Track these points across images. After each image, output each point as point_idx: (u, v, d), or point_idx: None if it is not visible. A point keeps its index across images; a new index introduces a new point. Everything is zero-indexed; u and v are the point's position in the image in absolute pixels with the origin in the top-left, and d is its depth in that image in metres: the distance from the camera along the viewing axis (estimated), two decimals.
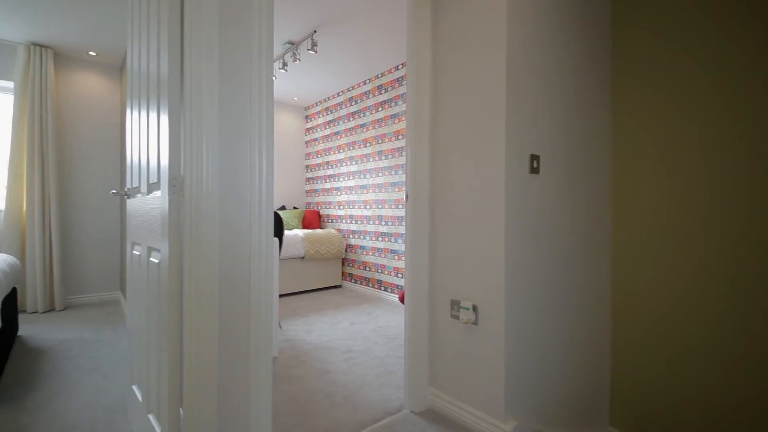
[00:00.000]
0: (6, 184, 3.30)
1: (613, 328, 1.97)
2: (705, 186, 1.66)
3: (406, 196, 1.80)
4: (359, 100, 4.39)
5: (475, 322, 1.58)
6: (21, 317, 3.23)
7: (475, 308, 1.59)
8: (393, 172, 3.93)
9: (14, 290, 2.60)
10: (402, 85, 3.81)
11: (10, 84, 3.41)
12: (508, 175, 1.49)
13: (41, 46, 3.41)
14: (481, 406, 1.56)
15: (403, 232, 3.81)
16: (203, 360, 1.17)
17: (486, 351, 1.55)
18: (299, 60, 3.46)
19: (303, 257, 4.20)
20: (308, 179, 5.40)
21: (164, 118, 1.17)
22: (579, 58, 1.83)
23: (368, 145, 4.26)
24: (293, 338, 2.74)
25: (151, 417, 1.34)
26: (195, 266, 1.16)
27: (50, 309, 3.47)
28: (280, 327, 3.00)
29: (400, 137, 3.84)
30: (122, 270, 3.78)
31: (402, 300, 2.48)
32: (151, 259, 1.30)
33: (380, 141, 4.09)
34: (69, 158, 3.68)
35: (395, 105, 3.89)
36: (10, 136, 3.32)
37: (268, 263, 1.28)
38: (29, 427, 1.59)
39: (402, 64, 3.79)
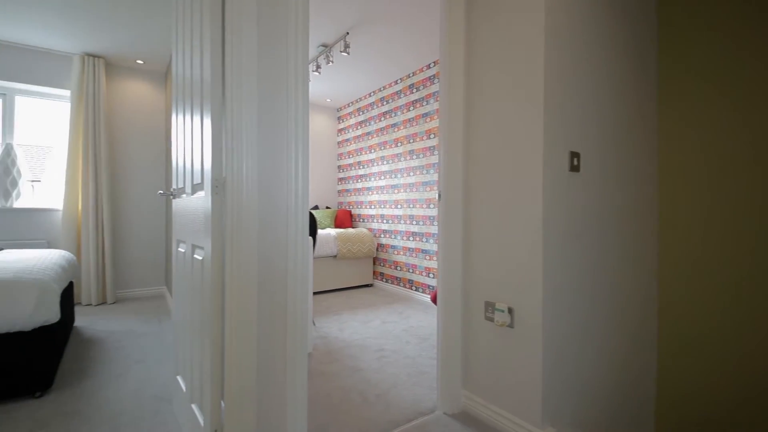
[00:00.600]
0: (64, 186, 3.57)
1: (659, 334, 1.87)
2: (759, 188, 1.53)
3: (439, 196, 1.78)
4: (390, 100, 4.39)
5: (511, 325, 1.55)
6: (77, 309, 3.49)
7: (510, 310, 1.55)
8: (424, 172, 3.91)
9: (71, 284, 2.81)
10: (434, 83, 3.78)
11: (67, 92, 3.69)
12: (546, 173, 1.44)
13: (94, 56, 3.67)
14: (517, 411, 1.52)
15: (435, 232, 3.78)
16: (243, 355, 1.21)
17: (522, 355, 1.51)
18: (332, 62, 3.51)
19: (335, 256, 4.26)
20: (340, 179, 5.47)
21: (207, 123, 1.22)
22: (623, 51, 1.75)
23: (399, 144, 4.26)
24: (326, 335, 2.79)
25: (194, 407, 1.40)
26: (236, 263, 1.20)
27: (102, 302, 3.73)
28: (314, 324, 3.06)
29: (432, 136, 3.81)
30: (167, 266, 3.99)
31: (434, 300, 2.46)
32: (195, 256, 1.36)
33: (411, 140, 4.08)
34: (119, 161, 3.93)
35: (427, 104, 3.87)
36: (67, 141, 3.59)
37: (303, 261, 1.31)
38: (83, 412, 1.71)
39: (434, 62, 3.76)
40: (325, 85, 4.51)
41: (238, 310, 1.21)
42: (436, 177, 3.76)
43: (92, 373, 2.12)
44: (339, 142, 5.49)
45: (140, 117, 4.05)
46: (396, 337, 2.75)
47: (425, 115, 3.89)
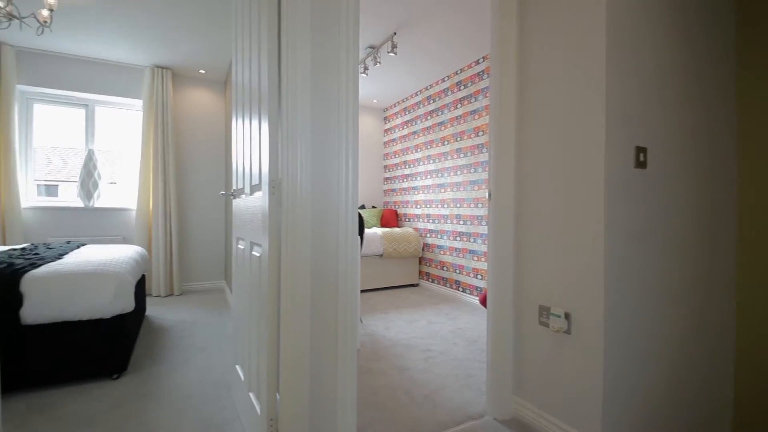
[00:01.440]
0: (137, 188, 3.93)
1: (737, 347, 1.68)
2: None
3: (489, 195, 1.73)
4: (437, 98, 4.35)
5: (568, 331, 1.47)
6: (147, 300, 3.82)
7: (567, 316, 1.47)
8: (472, 170, 3.83)
9: (143, 277, 3.08)
10: (483, 79, 3.69)
11: (139, 102, 4.05)
12: (609, 170, 1.35)
13: (162, 67, 3.99)
14: (574, 421, 1.44)
15: (484, 232, 3.69)
16: (297, 348, 1.26)
17: (580, 363, 1.43)
18: (380, 63, 3.54)
19: (381, 255, 4.30)
20: (386, 179, 5.51)
21: (264, 127, 1.28)
22: (697, 34, 1.59)
23: (446, 143, 4.21)
24: (373, 333, 2.83)
25: (251, 395, 1.48)
26: (291, 260, 1.25)
27: (169, 294, 4.05)
28: (361, 321, 3.11)
29: (481, 133, 3.72)
30: (226, 262, 4.26)
31: (483, 303, 2.40)
32: (253, 252, 1.44)
33: (459, 138, 4.01)
34: (184, 164, 4.25)
35: (475, 101, 3.78)
36: (140, 146, 3.94)
37: (353, 259, 1.34)
38: (154, 394, 1.87)
39: (483, 57, 3.66)
40: (372, 86, 4.56)
41: (293, 305, 1.26)
42: (484, 176, 3.66)
43: (161, 358, 2.31)
44: (385, 142, 5.53)
45: (202, 123, 4.35)
46: (443, 339, 2.72)
47: (473, 112, 3.81)
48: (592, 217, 1.39)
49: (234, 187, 1.80)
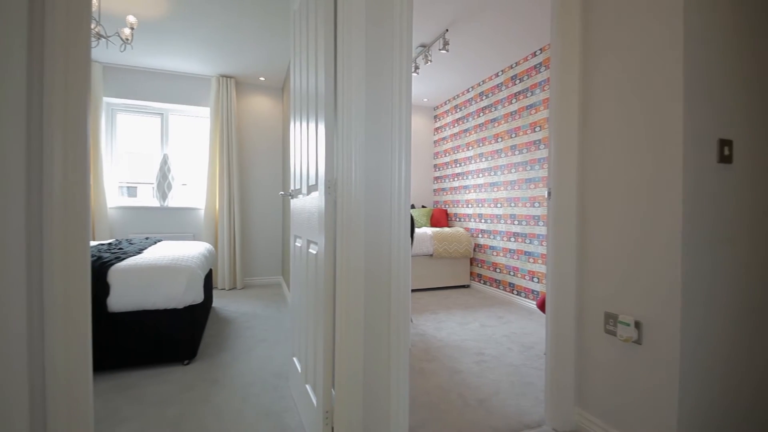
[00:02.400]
0: (205, 189, 4.25)
1: None
2: None
3: (548, 193, 1.65)
4: (490, 94, 4.22)
5: (638, 341, 1.36)
6: (214, 293, 4.12)
7: (637, 324, 1.36)
8: (528, 168, 3.67)
9: (210, 271, 3.32)
10: (540, 72, 3.51)
11: (207, 109, 4.36)
12: (687, 165, 1.23)
13: (227, 77, 4.27)
14: None
15: (540, 233, 3.52)
16: (352, 345, 1.29)
17: (653, 376, 1.31)
18: (431, 61, 3.51)
19: (431, 255, 4.26)
20: (436, 178, 5.45)
21: (321, 130, 1.32)
22: None
23: (500, 140, 4.07)
24: (423, 333, 2.81)
25: (308, 387, 1.54)
26: (345, 258, 1.28)
27: (233, 287, 4.33)
28: (412, 321, 3.11)
29: (538, 129, 3.55)
30: (283, 258, 4.47)
31: (541, 307, 2.29)
32: (310, 250, 1.49)
33: (513, 135, 3.86)
34: (245, 166, 4.53)
35: (531, 94, 3.62)
36: (207, 150, 4.25)
37: (405, 258, 1.34)
38: (221, 381, 2.01)
39: (541, 48, 3.49)
40: (423, 84, 4.53)
41: (348, 302, 1.29)
42: (542, 173, 3.49)
43: (226, 347, 2.48)
44: (435, 141, 5.47)
45: (262, 127, 4.60)
46: (497, 343, 2.64)
47: (530, 107, 3.64)
48: (667, 218, 1.26)
49: (292, 188, 1.88)
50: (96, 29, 2.59)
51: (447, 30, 3.15)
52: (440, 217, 4.95)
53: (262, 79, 4.34)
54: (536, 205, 3.56)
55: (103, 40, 3.30)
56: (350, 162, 1.28)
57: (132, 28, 2.67)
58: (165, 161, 4.19)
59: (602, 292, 1.50)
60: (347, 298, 1.29)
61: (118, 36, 2.79)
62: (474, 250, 4.51)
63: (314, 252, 1.44)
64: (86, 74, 1.06)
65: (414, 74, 3.98)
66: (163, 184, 4.18)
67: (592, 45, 1.56)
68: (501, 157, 4.05)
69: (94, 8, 2.64)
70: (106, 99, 4.01)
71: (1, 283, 1.03)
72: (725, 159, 1.29)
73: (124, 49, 2.98)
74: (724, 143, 1.29)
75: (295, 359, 1.81)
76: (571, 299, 1.60)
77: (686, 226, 1.23)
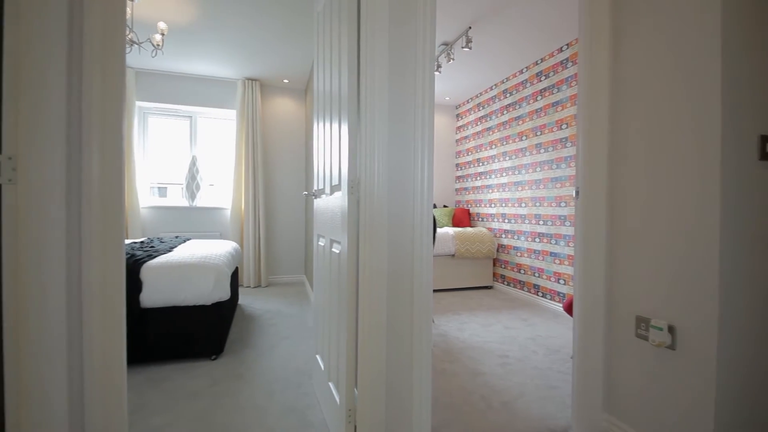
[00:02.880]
0: (231, 189, 4.36)
1: None
2: None
3: (576, 193, 1.60)
4: (514, 92, 4.14)
5: (671, 346, 1.30)
6: (240, 290, 4.22)
7: (671, 329, 1.30)
8: (554, 166, 3.57)
9: (236, 269, 3.41)
10: (566, 68, 3.42)
11: (233, 112, 4.48)
12: (725, 162, 1.17)
13: (252, 79, 4.37)
14: None
15: (566, 233, 3.43)
16: (374, 344, 1.30)
17: (687, 383, 1.25)
18: (453, 59, 3.48)
19: (453, 255, 4.22)
20: (458, 177, 5.40)
21: (344, 130, 1.33)
22: None
23: (524, 138, 3.99)
24: (445, 334, 2.79)
25: (331, 385, 1.56)
26: (368, 257, 1.29)
27: (258, 285, 4.43)
28: (433, 321, 3.09)
29: (564, 126, 3.45)
30: (306, 257, 4.53)
31: (568, 310, 2.23)
32: (333, 249, 1.51)
33: (538, 133, 3.77)
34: (270, 166, 4.62)
35: (558, 91, 3.53)
36: (234, 151, 4.37)
37: (428, 257, 1.33)
38: (245, 376, 2.06)
39: (568, 44, 3.40)
40: (445, 83, 4.50)
41: (370, 301, 1.29)
42: (569, 172, 3.40)
43: (251, 344, 2.54)
44: (457, 140, 5.41)
45: (285, 128, 4.68)
46: (521, 345, 2.59)
47: (556, 103, 3.55)
48: (704, 218, 1.21)
49: (315, 188, 1.91)
50: (129, 36, 2.70)
51: (470, 28, 3.11)
52: (462, 217, 4.90)
53: (285, 81, 4.42)
54: (562, 204, 3.47)
55: (136, 46, 3.44)
56: (373, 162, 1.29)
57: (162, 34, 2.77)
58: (193, 163, 4.33)
59: (633, 295, 1.45)
60: (370, 297, 1.29)
61: (150, 42, 2.90)
62: (497, 250, 4.43)
63: (337, 251, 1.45)
64: (121, 81, 1.11)
65: (436, 73, 3.95)
66: (192, 185, 4.32)
67: (622, 39, 1.50)
68: (525, 156, 3.97)
69: (128, 15, 2.76)
70: (138, 103, 4.18)
71: (43, 278, 1.09)
72: (766, 156, 1.22)
73: (155, 54, 3.10)
74: (766, 139, 1.22)
75: (318, 357, 1.83)
76: (600, 302, 1.55)
77: (724, 226, 1.17)
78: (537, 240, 3.79)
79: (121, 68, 1.10)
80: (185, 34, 3.29)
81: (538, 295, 3.77)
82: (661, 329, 1.32)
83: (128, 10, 2.98)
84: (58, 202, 1.09)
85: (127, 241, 3.09)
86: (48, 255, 1.04)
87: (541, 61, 3.73)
